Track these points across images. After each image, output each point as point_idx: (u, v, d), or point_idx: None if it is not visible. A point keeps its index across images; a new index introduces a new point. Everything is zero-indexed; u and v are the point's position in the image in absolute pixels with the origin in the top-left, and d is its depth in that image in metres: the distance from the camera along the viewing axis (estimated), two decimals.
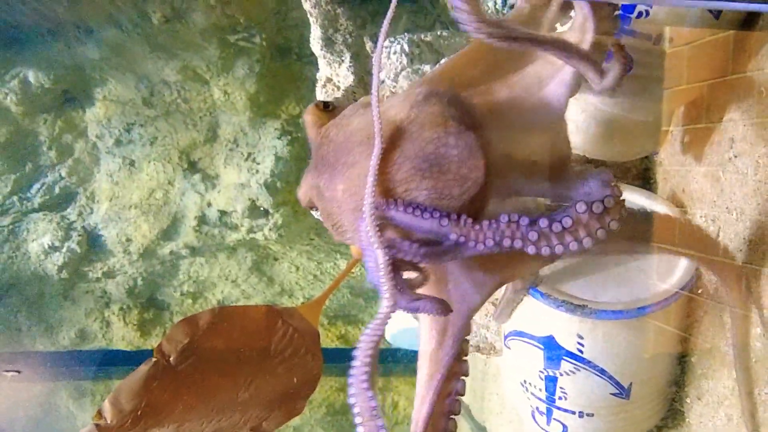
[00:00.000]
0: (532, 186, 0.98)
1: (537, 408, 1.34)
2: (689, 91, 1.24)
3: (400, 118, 0.87)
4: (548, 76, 0.99)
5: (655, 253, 1.25)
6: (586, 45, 0.95)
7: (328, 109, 0.96)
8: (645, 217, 1.12)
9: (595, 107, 1.24)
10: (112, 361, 3.34)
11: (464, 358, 1.01)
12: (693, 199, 1.30)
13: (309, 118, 0.96)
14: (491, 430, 2.44)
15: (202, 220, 3.20)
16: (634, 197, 1.36)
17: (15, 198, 3.16)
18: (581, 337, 1.23)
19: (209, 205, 3.20)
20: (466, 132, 0.86)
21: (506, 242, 0.87)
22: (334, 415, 3.48)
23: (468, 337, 1.69)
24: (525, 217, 0.88)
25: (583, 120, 1.26)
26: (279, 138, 3.09)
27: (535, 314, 1.26)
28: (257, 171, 3.10)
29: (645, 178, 1.46)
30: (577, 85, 0.97)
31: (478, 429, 2.56)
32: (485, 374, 2.45)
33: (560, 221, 0.87)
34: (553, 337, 1.25)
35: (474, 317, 1.66)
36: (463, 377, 1.00)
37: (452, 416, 0.98)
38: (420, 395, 0.98)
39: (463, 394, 0.99)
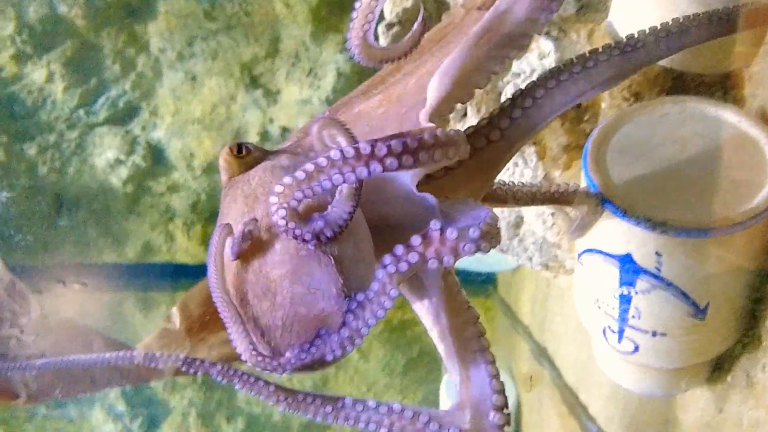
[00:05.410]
0: None
1: (609, 326, 1.32)
2: None
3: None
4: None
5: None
6: None
7: (240, 154, 0.89)
8: None
9: (683, 12, 1.16)
10: (177, 274, 3.42)
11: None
12: None
13: (221, 162, 0.90)
14: (553, 351, 2.44)
15: (264, 136, 3.20)
16: (719, 113, 1.29)
17: (81, 112, 3.21)
18: (659, 255, 1.19)
19: (271, 121, 3.19)
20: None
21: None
22: (391, 332, 3.53)
23: (536, 255, 1.67)
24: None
25: None
26: (341, 53, 3.04)
27: (613, 231, 1.22)
28: (319, 87, 3.07)
29: (732, 93, 1.39)
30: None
31: (538, 350, 2.56)
32: (548, 296, 2.44)
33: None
34: (631, 255, 1.22)
35: (545, 235, 1.63)
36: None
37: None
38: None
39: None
